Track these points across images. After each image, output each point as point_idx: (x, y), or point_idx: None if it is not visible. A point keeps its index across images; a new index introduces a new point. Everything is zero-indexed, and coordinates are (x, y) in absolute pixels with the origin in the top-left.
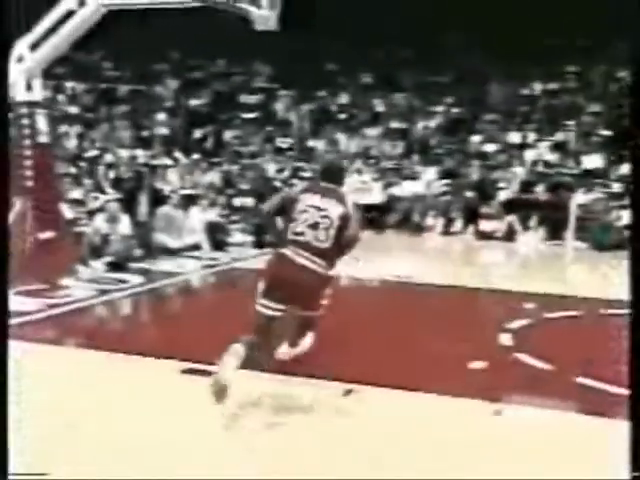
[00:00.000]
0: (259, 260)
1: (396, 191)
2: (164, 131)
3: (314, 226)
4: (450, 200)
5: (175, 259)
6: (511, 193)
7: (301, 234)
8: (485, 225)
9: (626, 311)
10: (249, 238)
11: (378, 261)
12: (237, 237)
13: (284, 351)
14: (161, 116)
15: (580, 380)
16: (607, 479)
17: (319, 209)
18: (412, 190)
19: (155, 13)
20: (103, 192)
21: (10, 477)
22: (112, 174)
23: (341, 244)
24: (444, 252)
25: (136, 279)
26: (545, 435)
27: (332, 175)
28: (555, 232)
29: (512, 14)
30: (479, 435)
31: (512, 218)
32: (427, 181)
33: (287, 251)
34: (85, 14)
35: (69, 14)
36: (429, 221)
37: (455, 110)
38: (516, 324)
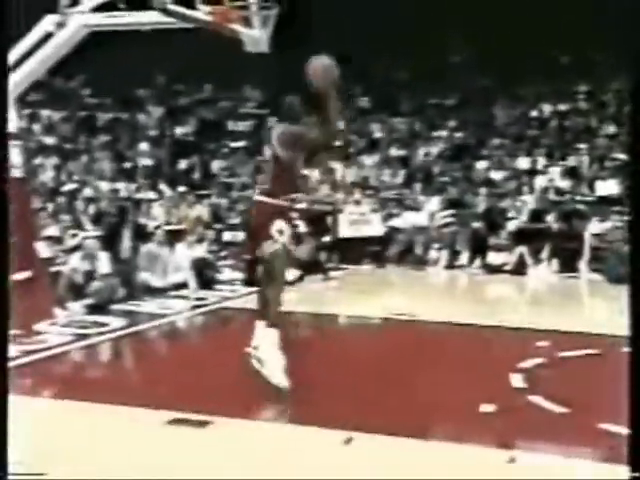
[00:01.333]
0: (250, 299)
1: (397, 222)
2: (148, 162)
3: (263, 172)
4: (455, 231)
5: (160, 299)
6: (521, 223)
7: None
8: (493, 257)
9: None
10: (239, 275)
11: (378, 297)
12: (226, 274)
13: None
14: (144, 146)
15: (601, 425)
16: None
17: (263, 156)
18: (414, 221)
19: (138, 35)
20: (82, 228)
21: (10, 477)
22: (92, 209)
23: (281, 181)
24: (449, 287)
25: (118, 322)
26: None
27: (287, 114)
28: (568, 264)
29: (518, 31)
30: None
31: (522, 249)
32: (430, 211)
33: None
34: (64, 37)
35: (47, 37)
36: (433, 254)
37: (459, 135)
38: (529, 364)
